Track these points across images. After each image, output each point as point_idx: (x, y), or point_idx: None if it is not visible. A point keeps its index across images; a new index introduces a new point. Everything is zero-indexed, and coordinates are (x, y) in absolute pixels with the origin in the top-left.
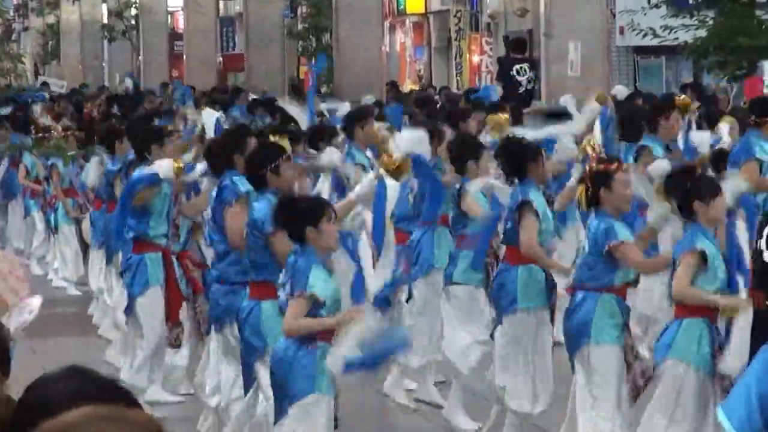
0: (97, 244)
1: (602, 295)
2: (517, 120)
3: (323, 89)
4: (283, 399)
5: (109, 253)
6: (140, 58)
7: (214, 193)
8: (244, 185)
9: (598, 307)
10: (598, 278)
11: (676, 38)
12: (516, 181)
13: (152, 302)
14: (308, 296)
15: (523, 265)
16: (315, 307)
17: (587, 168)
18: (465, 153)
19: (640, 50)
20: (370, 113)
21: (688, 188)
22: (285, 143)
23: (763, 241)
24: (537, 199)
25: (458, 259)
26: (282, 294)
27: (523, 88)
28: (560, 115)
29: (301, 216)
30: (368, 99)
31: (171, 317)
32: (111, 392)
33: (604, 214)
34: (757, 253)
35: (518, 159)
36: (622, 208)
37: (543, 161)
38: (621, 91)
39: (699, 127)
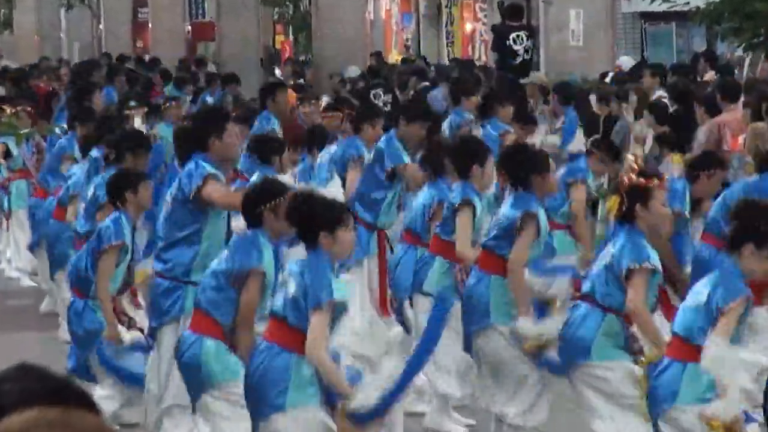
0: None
1: (608, 316)
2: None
3: (302, 58)
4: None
5: (56, 259)
6: (101, 27)
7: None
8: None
9: (602, 327)
10: (610, 296)
11: (687, 2)
12: (517, 190)
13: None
14: (332, 304)
15: (496, 275)
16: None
17: (625, 179)
18: (470, 156)
19: (647, 16)
20: (380, 113)
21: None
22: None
23: None
24: (540, 213)
25: (431, 265)
26: (280, 297)
27: (521, 58)
28: None
29: (317, 218)
30: (352, 71)
31: None
32: (62, 393)
33: (635, 231)
34: None
35: (523, 170)
36: (657, 228)
37: (549, 175)
38: (627, 61)
39: (714, 102)
